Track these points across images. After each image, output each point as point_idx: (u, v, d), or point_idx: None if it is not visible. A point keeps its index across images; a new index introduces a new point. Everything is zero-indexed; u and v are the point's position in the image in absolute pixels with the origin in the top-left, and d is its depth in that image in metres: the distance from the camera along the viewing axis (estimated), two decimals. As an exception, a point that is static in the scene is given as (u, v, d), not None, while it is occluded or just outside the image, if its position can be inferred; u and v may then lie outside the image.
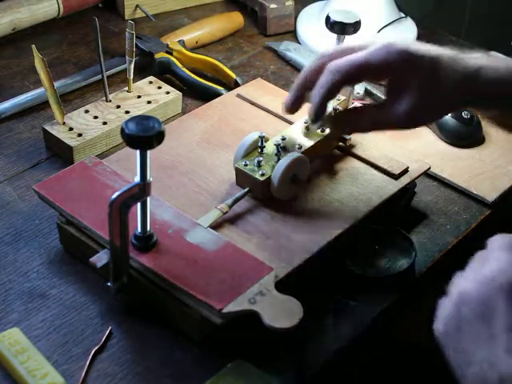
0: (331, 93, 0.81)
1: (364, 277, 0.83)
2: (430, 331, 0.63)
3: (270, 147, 0.86)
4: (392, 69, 0.80)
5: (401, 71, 0.80)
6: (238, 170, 0.84)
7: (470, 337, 0.58)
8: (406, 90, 0.80)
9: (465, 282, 0.60)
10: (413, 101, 0.80)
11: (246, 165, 0.84)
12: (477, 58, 0.81)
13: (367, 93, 1.09)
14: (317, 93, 0.81)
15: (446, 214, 0.94)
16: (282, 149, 0.85)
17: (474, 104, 0.85)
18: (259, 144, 0.85)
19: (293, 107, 0.83)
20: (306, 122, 0.89)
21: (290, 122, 0.93)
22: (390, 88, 0.83)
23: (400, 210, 0.92)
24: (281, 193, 0.83)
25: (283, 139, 0.86)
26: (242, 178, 0.84)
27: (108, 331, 0.76)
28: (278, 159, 0.84)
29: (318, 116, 0.81)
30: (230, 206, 0.82)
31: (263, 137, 0.85)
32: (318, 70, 0.82)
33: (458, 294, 0.60)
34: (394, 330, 0.69)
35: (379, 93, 1.07)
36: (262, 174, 0.83)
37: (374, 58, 0.79)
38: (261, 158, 0.84)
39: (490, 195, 0.96)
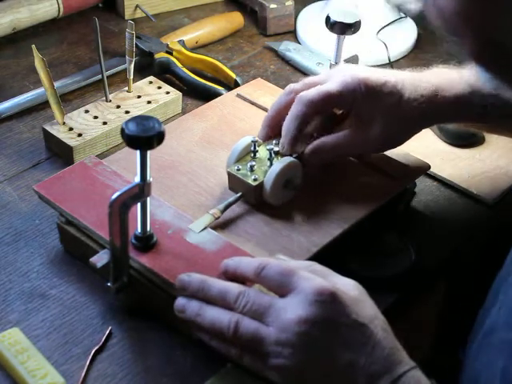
0: (304, 124, 0.84)
1: (364, 277, 0.83)
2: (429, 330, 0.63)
3: (262, 152, 0.85)
4: (358, 98, 0.83)
5: (366, 99, 0.83)
6: (230, 175, 0.84)
7: None
8: (373, 118, 0.83)
9: None
10: (381, 127, 0.83)
11: (238, 169, 0.83)
12: (435, 75, 0.86)
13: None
14: (291, 125, 0.84)
15: (446, 214, 0.94)
16: (275, 153, 0.85)
17: (438, 121, 0.88)
18: (252, 148, 0.85)
19: (267, 140, 0.87)
20: None
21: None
22: (356, 116, 0.85)
23: (400, 211, 0.92)
24: (273, 198, 0.83)
25: (276, 143, 0.86)
26: (234, 182, 0.84)
27: (108, 331, 0.76)
28: (271, 164, 0.84)
29: (292, 147, 0.84)
30: (222, 211, 0.81)
31: (256, 141, 0.84)
32: (288, 105, 0.85)
33: None
34: (394, 331, 0.69)
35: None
36: (255, 179, 0.82)
37: (343, 88, 0.82)
38: (254, 163, 0.83)
39: (490, 195, 0.96)
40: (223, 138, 0.93)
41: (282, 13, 1.26)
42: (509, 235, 1.22)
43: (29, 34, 1.21)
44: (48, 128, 0.97)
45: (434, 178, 0.99)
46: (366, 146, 0.86)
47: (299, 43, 1.24)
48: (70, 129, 0.97)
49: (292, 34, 1.28)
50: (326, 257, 0.78)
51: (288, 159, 0.83)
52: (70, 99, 1.08)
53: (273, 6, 1.25)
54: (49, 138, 0.98)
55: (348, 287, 0.69)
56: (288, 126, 0.83)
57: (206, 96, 1.07)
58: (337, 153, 0.86)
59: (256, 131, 0.90)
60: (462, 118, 0.90)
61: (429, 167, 0.92)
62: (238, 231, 0.80)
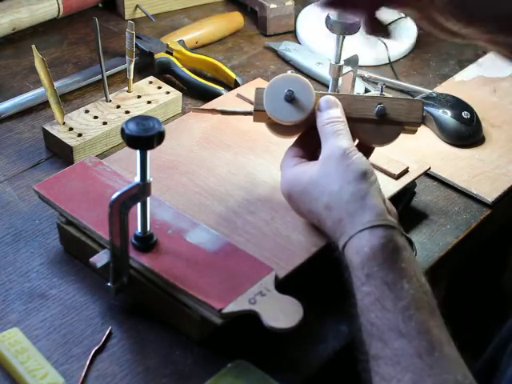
0: None
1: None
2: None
3: None
4: None
5: None
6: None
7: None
8: None
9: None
10: None
11: None
12: None
13: (367, 92, 1.09)
14: None
15: (446, 214, 0.94)
16: None
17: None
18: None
19: None
20: None
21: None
22: None
23: (400, 211, 0.92)
24: (272, 107, 0.80)
25: None
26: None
27: (108, 331, 0.76)
28: None
29: None
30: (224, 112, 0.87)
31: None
32: None
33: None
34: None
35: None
36: None
37: None
38: None
39: (490, 195, 0.96)
40: (223, 137, 0.93)
41: (281, 13, 1.26)
42: (509, 235, 1.22)
43: (29, 34, 1.21)
44: (48, 128, 0.97)
45: (434, 177, 0.99)
46: None
47: (299, 43, 1.24)
48: (70, 129, 0.97)
49: (292, 34, 1.28)
50: (326, 257, 0.78)
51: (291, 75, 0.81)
52: (69, 99, 1.08)
53: (273, 5, 1.25)
54: (49, 137, 0.98)
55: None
56: None
57: (206, 96, 1.07)
58: None
59: (256, 131, 0.90)
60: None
61: (429, 167, 0.92)
62: (238, 231, 0.80)
